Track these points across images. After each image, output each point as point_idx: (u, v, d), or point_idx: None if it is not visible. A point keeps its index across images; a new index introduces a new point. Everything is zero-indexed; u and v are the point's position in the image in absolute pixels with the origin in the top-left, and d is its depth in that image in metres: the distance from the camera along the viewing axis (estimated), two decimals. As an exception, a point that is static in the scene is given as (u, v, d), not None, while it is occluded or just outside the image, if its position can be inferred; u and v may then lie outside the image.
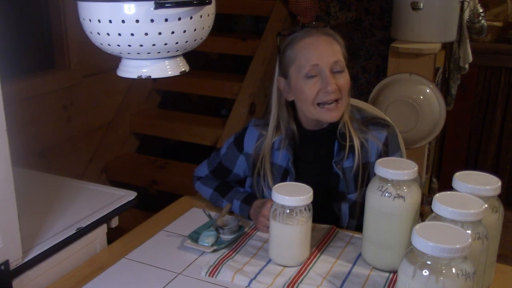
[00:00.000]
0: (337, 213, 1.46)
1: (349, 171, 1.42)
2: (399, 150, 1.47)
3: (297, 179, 1.44)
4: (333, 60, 1.35)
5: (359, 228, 1.44)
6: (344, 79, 1.37)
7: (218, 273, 1.22)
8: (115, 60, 1.07)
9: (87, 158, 2.81)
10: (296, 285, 1.17)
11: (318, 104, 1.37)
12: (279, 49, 1.45)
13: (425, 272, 0.91)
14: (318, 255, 1.30)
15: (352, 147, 1.40)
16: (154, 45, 0.98)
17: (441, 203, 1.02)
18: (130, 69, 1.05)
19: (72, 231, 1.34)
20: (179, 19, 0.96)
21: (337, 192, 1.44)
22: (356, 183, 1.43)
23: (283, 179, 1.46)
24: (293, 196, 1.20)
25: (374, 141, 1.41)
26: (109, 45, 0.99)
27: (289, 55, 1.40)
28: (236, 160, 1.54)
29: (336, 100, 1.36)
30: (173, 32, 0.97)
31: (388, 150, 1.42)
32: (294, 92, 1.41)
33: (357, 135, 1.40)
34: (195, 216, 1.51)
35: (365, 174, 1.42)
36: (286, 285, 1.17)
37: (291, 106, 1.46)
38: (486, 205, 1.04)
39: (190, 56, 1.09)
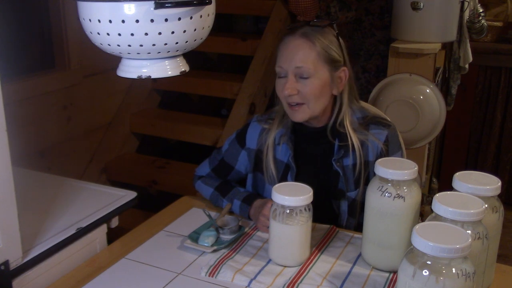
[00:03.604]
0: (336, 211, 1.47)
1: (349, 169, 1.42)
2: (400, 150, 1.47)
3: (297, 175, 1.45)
4: (295, 65, 1.36)
5: (358, 227, 1.45)
6: (308, 87, 1.37)
7: (218, 273, 1.22)
8: (115, 60, 1.07)
9: (87, 158, 2.81)
10: (296, 285, 1.17)
11: (285, 102, 1.41)
12: None
13: (425, 272, 0.91)
14: (318, 255, 1.30)
15: (352, 146, 1.40)
16: (154, 45, 0.98)
17: (441, 203, 1.02)
18: (130, 69, 1.05)
19: (72, 231, 1.34)
20: (179, 19, 0.96)
21: (336, 190, 1.44)
22: (356, 182, 1.43)
23: (284, 174, 1.47)
24: (293, 196, 1.20)
25: (374, 141, 1.42)
26: (109, 45, 0.99)
27: (277, 49, 1.43)
28: (238, 155, 1.54)
29: (299, 104, 1.38)
30: (173, 32, 0.97)
31: (388, 149, 1.42)
32: None
33: (356, 135, 1.41)
34: (195, 216, 1.51)
35: (365, 173, 1.43)
36: (286, 285, 1.17)
37: None
38: (486, 205, 1.04)
39: (190, 56, 1.09)
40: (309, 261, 1.27)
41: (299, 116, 1.40)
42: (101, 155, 2.88)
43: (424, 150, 2.51)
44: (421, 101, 2.34)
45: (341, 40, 1.42)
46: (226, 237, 1.36)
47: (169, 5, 0.93)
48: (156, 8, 0.93)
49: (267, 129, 1.49)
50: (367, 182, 1.40)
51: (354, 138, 1.40)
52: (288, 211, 1.21)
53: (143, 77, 1.04)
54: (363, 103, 1.57)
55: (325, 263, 1.26)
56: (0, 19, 2.01)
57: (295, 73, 1.37)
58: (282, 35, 1.44)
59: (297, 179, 1.44)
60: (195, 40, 1.02)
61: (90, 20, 0.98)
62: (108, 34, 0.97)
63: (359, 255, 1.29)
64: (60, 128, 2.56)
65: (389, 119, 1.55)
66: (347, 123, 1.42)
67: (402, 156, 1.48)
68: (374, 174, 1.21)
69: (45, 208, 1.44)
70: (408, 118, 2.33)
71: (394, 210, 1.16)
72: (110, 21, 0.95)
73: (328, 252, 1.31)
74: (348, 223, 1.47)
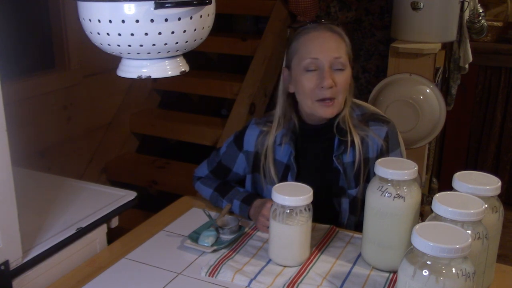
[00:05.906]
0: (337, 208, 1.46)
1: (349, 166, 1.42)
2: (399, 146, 1.47)
3: (298, 174, 1.45)
4: (334, 56, 1.36)
5: (359, 224, 1.45)
6: (344, 77, 1.37)
7: (218, 273, 1.22)
8: (115, 60, 1.07)
9: (87, 158, 2.81)
10: (296, 285, 1.17)
11: (315, 99, 1.38)
12: (288, 41, 1.46)
13: (425, 272, 0.91)
14: (318, 255, 1.30)
15: (352, 142, 1.40)
16: (154, 45, 0.98)
17: (441, 203, 1.02)
18: (130, 69, 1.05)
19: (72, 231, 1.34)
20: (179, 19, 0.96)
21: (337, 187, 1.44)
22: (357, 179, 1.43)
23: (284, 175, 1.47)
24: (293, 196, 1.20)
25: (374, 137, 1.42)
26: (109, 45, 0.99)
27: (293, 46, 1.42)
28: (236, 158, 1.54)
29: (332, 98, 1.37)
30: (173, 32, 0.97)
31: (388, 146, 1.42)
32: (294, 83, 1.42)
33: (356, 132, 1.41)
34: (195, 216, 1.51)
35: (365, 170, 1.43)
36: (286, 285, 1.17)
37: (293, 99, 1.47)
38: (486, 205, 1.03)
39: (190, 56, 1.09)
40: (309, 261, 1.27)
41: (330, 111, 1.38)
42: (101, 155, 2.88)
43: (424, 150, 2.51)
44: (421, 101, 2.34)
45: None
46: (226, 237, 1.36)
47: (169, 5, 0.93)
48: (156, 8, 0.93)
49: (265, 131, 1.49)
50: (368, 180, 1.40)
51: (354, 134, 1.40)
52: (288, 211, 1.21)
53: (143, 77, 1.04)
54: (360, 102, 1.57)
55: (325, 263, 1.26)
56: (0, 19, 2.01)
57: (331, 65, 1.36)
58: (298, 32, 1.42)
59: (298, 177, 1.44)
60: (195, 40, 1.02)
61: (90, 20, 0.98)
62: (108, 34, 0.97)
63: (359, 255, 1.29)
64: (60, 128, 2.56)
65: (387, 117, 1.55)
66: (348, 119, 1.42)
67: (401, 152, 1.48)
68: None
69: (45, 208, 1.44)
70: (408, 118, 2.33)
71: (394, 210, 1.16)
72: (110, 21, 0.95)
73: (328, 252, 1.31)
74: (349, 221, 1.47)
